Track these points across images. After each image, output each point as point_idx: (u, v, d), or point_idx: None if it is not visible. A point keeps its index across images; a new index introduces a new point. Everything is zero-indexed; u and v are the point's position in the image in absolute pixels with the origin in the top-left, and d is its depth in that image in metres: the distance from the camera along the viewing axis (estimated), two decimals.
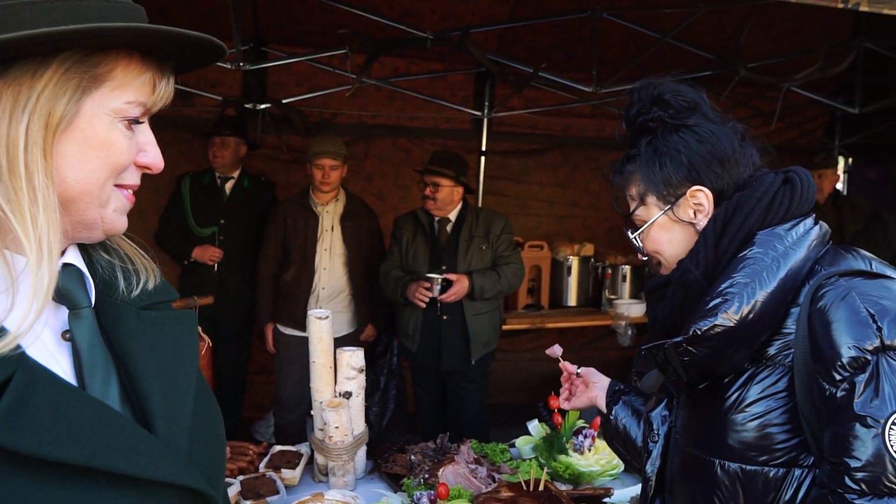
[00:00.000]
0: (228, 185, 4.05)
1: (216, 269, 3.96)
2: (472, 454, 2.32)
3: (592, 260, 5.15)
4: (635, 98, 1.26)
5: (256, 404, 4.67)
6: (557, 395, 1.84)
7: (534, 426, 2.59)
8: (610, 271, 5.12)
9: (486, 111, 5.00)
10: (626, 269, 5.10)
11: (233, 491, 2.09)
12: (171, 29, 0.75)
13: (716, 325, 1.09)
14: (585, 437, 2.36)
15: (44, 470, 0.67)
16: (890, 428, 0.96)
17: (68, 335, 0.77)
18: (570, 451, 2.34)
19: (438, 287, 3.41)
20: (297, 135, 4.42)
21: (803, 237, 1.13)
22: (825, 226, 1.18)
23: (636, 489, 2.09)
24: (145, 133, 0.81)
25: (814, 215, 1.19)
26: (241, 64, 3.44)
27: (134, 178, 0.81)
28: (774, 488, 1.08)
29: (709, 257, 1.16)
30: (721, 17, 4.28)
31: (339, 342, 2.38)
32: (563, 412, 2.44)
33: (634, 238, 1.29)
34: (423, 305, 3.41)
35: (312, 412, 2.33)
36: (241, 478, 2.18)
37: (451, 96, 4.92)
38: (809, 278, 1.11)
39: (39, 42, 0.68)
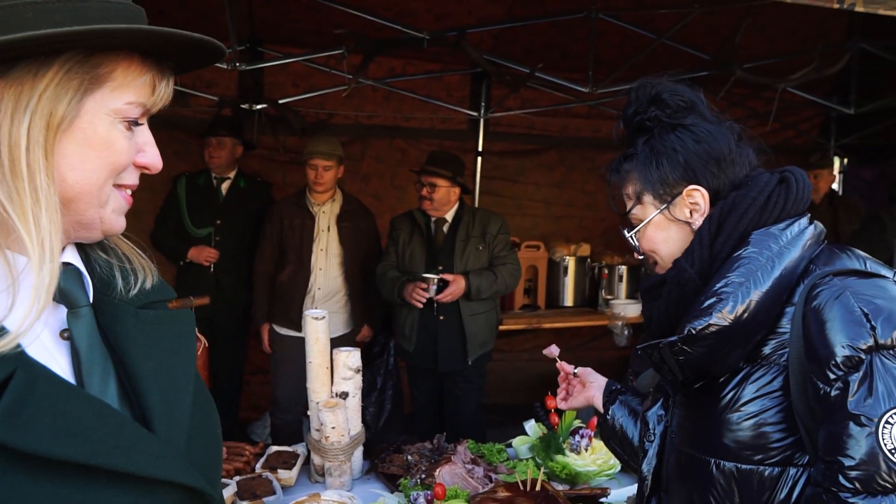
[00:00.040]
0: (224, 186, 4.05)
1: (212, 269, 3.96)
2: (469, 454, 2.32)
3: (589, 260, 5.16)
4: (633, 97, 1.27)
5: (253, 405, 4.67)
6: (554, 395, 1.84)
7: (530, 426, 2.59)
8: (606, 271, 5.12)
9: (482, 111, 5.00)
10: (623, 269, 5.11)
11: (229, 491, 2.08)
12: (173, 31, 0.75)
13: (710, 325, 1.09)
14: (582, 437, 2.36)
15: (44, 468, 0.67)
16: (884, 426, 0.96)
17: (67, 334, 0.77)
18: (567, 451, 2.34)
19: (435, 287, 3.41)
20: (294, 135, 4.42)
21: (798, 236, 1.14)
22: (820, 225, 1.19)
23: (633, 489, 2.09)
24: (144, 133, 0.82)
25: (808, 215, 1.19)
26: (238, 64, 3.44)
27: (133, 178, 0.82)
28: (770, 487, 1.09)
29: (704, 256, 1.16)
30: (717, 18, 4.29)
31: (335, 343, 2.38)
32: (559, 412, 2.44)
33: (631, 237, 1.29)
34: (421, 306, 3.41)
35: (309, 412, 2.33)
36: (237, 478, 2.18)
37: (447, 97, 4.92)
38: (804, 277, 1.11)
39: (42, 43, 0.69)
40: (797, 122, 5.72)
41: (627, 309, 4.88)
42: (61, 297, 0.77)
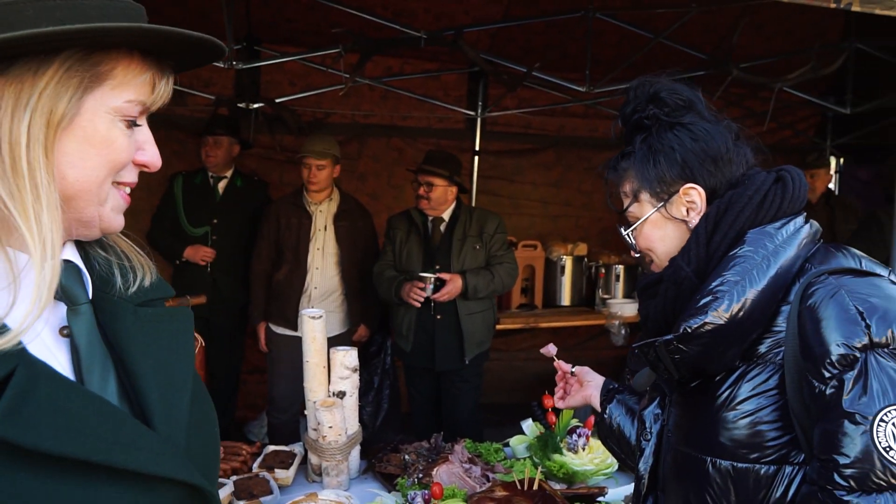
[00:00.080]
0: (221, 185, 4.04)
1: (209, 268, 3.95)
2: (467, 453, 2.32)
3: (586, 259, 5.16)
4: (631, 95, 1.27)
5: (250, 404, 4.66)
6: (551, 394, 1.84)
7: (528, 425, 2.59)
8: (603, 271, 5.13)
9: (479, 111, 5.00)
10: (620, 268, 5.11)
11: (226, 491, 2.08)
12: (173, 29, 0.75)
13: (706, 323, 1.09)
14: (580, 436, 2.36)
15: (44, 464, 0.67)
16: (878, 424, 0.96)
17: (67, 331, 0.77)
18: (565, 451, 2.34)
19: (431, 286, 3.41)
20: (291, 134, 4.41)
21: (793, 235, 1.14)
22: (816, 224, 1.19)
23: (630, 488, 2.09)
24: (144, 132, 0.82)
25: (805, 214, 1.19)
26: (234, 63, 3.43)
27: (132, 176, 0.82)
28: (765, 485, 1.09)
29: (700, 255, 1.17)
30: (714, 18, 4.29)
31: (331, 342, 2.38)
32: (557, 411, 2.44)
33: (627, 235, 1.29)
34: (418, 305, 3.41)
35: (306, 412, 2.33)
36: (234, 478, 2.17)
37: (444, 96, 4.92)
38: (800, 276, 1.12)
39: (42, 41, 0.69)
40: (794, 121, 5.73)
41: (624, 308, 4.89)
42: (61, 294, 0.77)
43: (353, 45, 3.45)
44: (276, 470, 2.26)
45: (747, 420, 1.10)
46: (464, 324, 3.49)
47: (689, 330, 1.10)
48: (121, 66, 0.76)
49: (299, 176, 3.81)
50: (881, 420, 0.96)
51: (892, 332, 1.00)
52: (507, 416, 3.35)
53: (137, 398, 0.79)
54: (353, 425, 2.31)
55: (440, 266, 3.50)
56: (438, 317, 3.49)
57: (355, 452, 2.35)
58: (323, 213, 3.79)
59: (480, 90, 4.98)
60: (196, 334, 2.30)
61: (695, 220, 1.21)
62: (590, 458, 2.30)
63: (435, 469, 2.16)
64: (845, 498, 0.97)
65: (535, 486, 1.96)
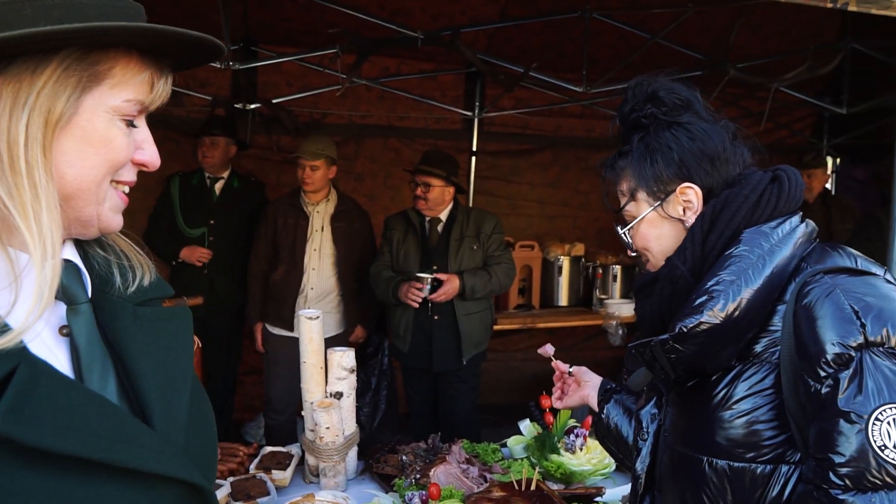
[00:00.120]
0: (218, 186, 4.03)
1: (206, 269, 3.94)
2: (464, 454, 2.32)
3: (583, 260, 5.17)
4: (629, 95, 1.27)
5: (247, 405, 4.66)
6: (549, 394, 1.84)
7: (525, 426, 2.59)
8: (601, 271, 5.13)
9: (476, 111, 5.00)
10: (617, 268, 5.12)
11: (223, 492, 2.08)
12: (172, 28, 0.75)
13: (702, 323, 1.09)
14: (577, 436, 2.36)
15: (46, 462, 0.68)
16: (873, 423, 0.97)
17: (66, 330, 0.78)
18: (562, 451, 2.34)
19: (428, 287, 3.41)
20: (288, 135, 4.41)
21: (789, 235, 1.14)
22: (811, 223, 1.19)
23: (628, 488, 2.09)
24: (142, 131, 0.82)
25: (800, 213, 1.20)
26: (231, 63, 3.43)
27: (131, 175, 0.82)
28: (762, 484, 1.09)
29: (696, 254, 1.17)
30: (710, 18, 4.30)
31: (328, 343, 2.37)
32: (554, 411, 2.44)
33: (624, 233, 1.29)
34: (416, 305, 3.41)
35: (303, 413, 2.33)
36: (231, 479, 2.17)
37: (441, 96, 4.92)
38: (795, 276, 1.12)
39: (40, 40, 0.69)
40: (790, 121, 5.74)
41: (622, 308, 4.89)
42: (61, 293, 0.77)
43: (349, 45, 3.44)
44: (273, 471, 2.26)
45: (743, 419, 1.10)
46: (461, 324, 3.49)
47: (685, 329, 1.11)
48: (119, 66, 0.76)
49: (296, 177, 3.81)
50: (876, 419, 0.97)
51: (888, 331, 1.00)
52: (505, 416, 3.35)
53: (137, 397, 0.79)
54: (351, 426, 2.31)
55: (437, 266, 3.50)
56: (436, 317, 3.48)
57: (353, 453, 2.35)
58: (320, 214, 3.78)
59: (477, 90, 4.99)
60: (194, 336, 2.31)
61: (691, 219, 1.21)
62: (587, 458, 2.30)
63: (432, 470, 2.16)
64: (841, 497, 0.97)
65: (533, 487, 1.96)
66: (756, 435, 1.09)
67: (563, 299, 5.13)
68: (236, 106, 4.19)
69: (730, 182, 1.21)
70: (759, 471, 1.09)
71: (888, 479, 0.96)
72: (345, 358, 2.29)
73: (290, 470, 2.29)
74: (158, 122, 0.83)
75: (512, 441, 2.54)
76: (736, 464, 1.11)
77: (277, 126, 4.35)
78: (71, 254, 0.82)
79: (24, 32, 0.67)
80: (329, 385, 2.29)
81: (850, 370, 1.00)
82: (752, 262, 1.11)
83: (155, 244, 3.95)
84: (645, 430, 1.36)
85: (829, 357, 1.01)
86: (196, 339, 2.40)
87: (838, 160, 6.09)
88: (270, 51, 4.24)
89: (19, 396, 0.67)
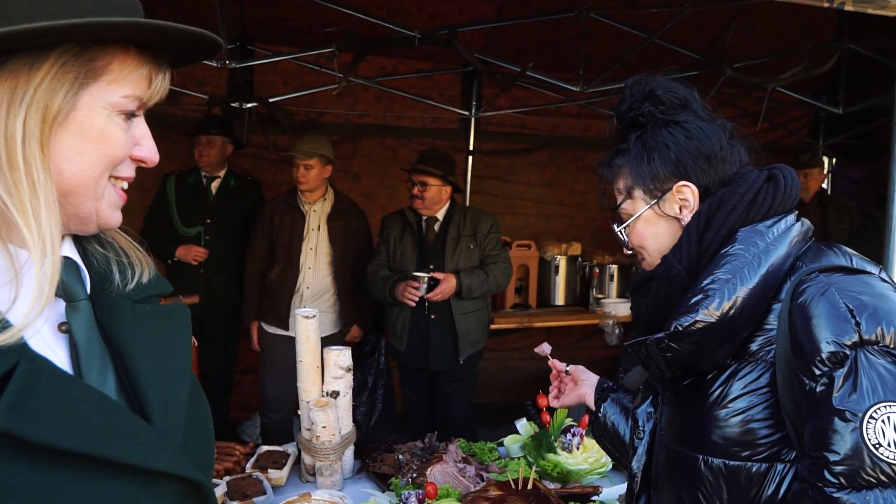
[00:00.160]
0: (214, 185, 4.03)
1: (202, 269, 3.94)
2: (461, 453, 2.32)
3: (580, 259, 5.17)
4: (627, 93, 1.27)
5: (243, 404, 4.65)
6: (546, 393, 1.84)
7: (522, 425, 2.59)
8: (597, 270, 5.14)
9: (473, 111, 5.00)
10: (614, 268, 5.12)
11: (219, 491, 2.07)
12: (170, 24, 0.75)
13: (697, 321, 1.10)
14: (574, 435, 2.37)
15: (47, 458, 0.68)
16: (868, 421, 0.97)
17: (65, 327, 0.78)
18: (559, 450, 2.35)
19: (425, 286, 3.41)
20: (284, 134, 4.40)
21: (784, 233, 1.14)
22: (807, 222, 1.19)
23: (624, 487, 2.09)
24: (141, 127, 0.82)
25: (796, 212, 1.20)
26: (228, 62, 3.43)
27: (129, 171, 0.82)
28: (757, 483, 1.09)
29: (692, 252, 1.17)
30: (707, 18, 4.31)
31: (323, 343, 2.37)
32: (551, 410, 2.44)
33: (620, 232, 1.29)
34: (413, 304, 3.41)
35: (300, 412, 2.32)
36: (227, 478, 2.17)
37: (438, 96, 4.92)
38: (791, 274, 1.12)
39: (37, 36, 0.69)
40: (786, 121, 5.75)
41: (618, 308, 4.90)
42: (60, 290, 0.77)
43: (346, 44, 3.44)
44: (269, 470, 2.26)
45: (739, 418, 1.11)
46: (458, 323, 3.49)
47: (681, 328, 1.11)
48: (117, 61, 0.76)
49: (293, 176, 3.80)
50: (871, 417, 0.97)
51: (882, 330, 1.01)
52: (502, 415, 3.35)
53: (136, 394, 0.79)
54: (347, 425, 2.31)
55: (434, 266, 3.50)
56: (433, 316, 3.48)
57: (349, 452, 2.34)
58: (317, 213, 3.78)
59: (474, 90, 4.98)
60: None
61: (687, 217, 1.21)
62: (584, 457, 2.31)
63: (429, 469, 2.16)
64: (835, 495, 0.98)
65: (530, 486, 1.96)
66: (751, 433, 1.10)
67: (559, 299, 5.13)
68: (233, 105, 4.18)
69: (726, 181, 1.21)
70: (754, 469, 1.09)
71: (882, 478, 0.96)
72: (341, 357, 2.29)
73: (286, 469, 2.29)
74: (155, 121, 0.83)
75: (509, 440, 2.54)
76: (731, 462, 1.11)
77: (274, 125, 4.34)
78: (70, 251, 0.82)
79: (21, 28, 0.67)
80: (325, 384, 2.29)
81: (845, 368, 1.00)
82: (747, 260, 1.11)
83: (151, 243, 3.93)
84: (641, 428, 1.36)
85: (823, 355, 1.01)
86: (192, 338, 2.40)
87: (834, 160, 6.11)
88: (267, 50, 4.23)
89: (20, 392, 0.67)
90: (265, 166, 4.64)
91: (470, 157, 5.07)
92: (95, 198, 0.78)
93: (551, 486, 2.18)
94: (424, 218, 3.57)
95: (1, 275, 0.72)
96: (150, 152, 0.82)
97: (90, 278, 0.83)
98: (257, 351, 3.90)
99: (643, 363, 1.23)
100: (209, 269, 3.95)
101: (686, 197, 1.21)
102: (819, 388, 1.01)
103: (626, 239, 1.29)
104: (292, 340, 2.34)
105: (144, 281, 0.87)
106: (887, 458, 0.96)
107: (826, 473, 0.99)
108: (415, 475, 2.17)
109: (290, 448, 2.42)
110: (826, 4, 1.81)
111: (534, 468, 2.12)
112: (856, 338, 1.00)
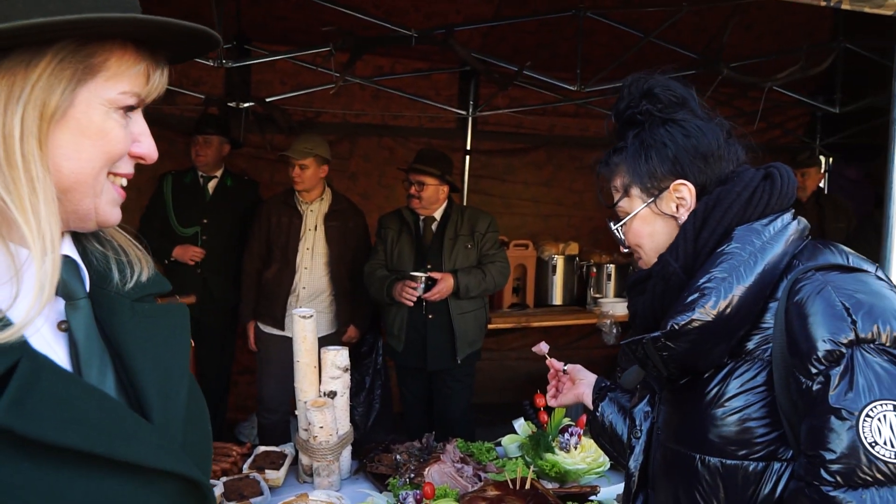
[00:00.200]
0: (211, 185, 4.02)
1: (199, 269, 3.93)
2: (458, 453, 2.31)
3: (577, 259, 5.17)
4: (625, 91, 1.27)
5: (240, 405, 4.65)
6: (543, 393, 1.84)
7: (520, 425, 2.59)
8: (595, 270, 5.14)
9: (470, 110, 5.00)
10: (611, 267, 5.13)
11: (216, 492, 2.07)
12: (168, 20, 0.75)
13: (693, 320, 1.09)
14: (571, 435, 2.36)
15: (47, 455, 0.68)
16: (864, 420, 0.97)
17: (65, 325, 0.78)
18: (557, 450, 2.35)
19: (423, 286, 3.40)
20: (281, 134, 4.40)
21: (781, 232, 1.14)
22: (804, 221, 1.19)
23: (622, 486, 2.09)
24: (139, 123, 0.82)
25: (793, 211, 1.20)
26: (225, 61, 3.42)
27: (128, 167, 0.82)
28: (754, 482, 1.09)
29: (688, 251, 1.17)
30: (704, 18, 4.31)
31: (320, 343, 2.36)
32: (549, 410, 2.44)
33: (617, 230, 1.29)
34: (411, 304, 3.41)
35: (297, 412, 2.32)
36: (224, 479, 2.16)
37: (435, 95, 4.92)
38: (787, 273, 1.12)
39: (34, 32, 0.68)
40: (783, 121, 5.77)
41: (616, 307, 4.90)
42: (59, 289, 0.77)
43: (343, 43, 3.44)
44: (266, 471, 2.25)
45: (736, 417, 1.10)
46: (455, 323, 3.48)
47: (677, 327, 1.11)
48: (114, 58, 0.76)
49: (288, 175, 3.80)
50: (867, 415, 0.97)
51: (878, 328, 1.01)
52: (499, 415, 3.35)
53: (135, 392, 0.80)
54: (345, 425, 2.30)
55: (431, 265, 3.50)
56: (430, 316, 3.48)
57: (346, 453, 2.34)
58: (314, 213, 3.77)
59: (471, 89, 4.99)
60: None
61: (684, 216, 1.21)
62: (582, 456, 2.30)
63: (427, 469, 2.16)
64: (832, 493, 0.98)
65: (528, 486, 1.96)
66: (748, 432, 1.09)
67: (557, 298, 5.13)
68: (230, 104, 4.17)
69: (723, 179, 1.21)
70: (751, 468, 1.09)
71: (879, 476, 0.96)
72: (338, 357, 2.28)
73: (283, 469, 2.29)
74: (151, 120, 0.83)
75: (506, 440, 2.53)
76: (728, 461, 1.11)
77: (271, 125, 4.34)
78: (69, 249, 0.82)
79: (18, 25, 0.67)
80: (323, 384, 2.28)
81: (841, 367, 1.00)
82: (743, 259, 1.11)
83: (148, 243, 3.92)
84: (638, 427, 1.36)
85: (820, 354, 1.01)
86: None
87: (831, 159, 6.12)
88: (264, 49, 4.23)
89: (22, 390, 0.67)
90: (262, 166, 4.64)
91: (467, 157, 5.07)
92: (94, 195, 0.78)
93: (549, 485, 2.18)
94: (422, 217, 3.57)
95: (1, 273, 0.72)
96: (148, 149, 0.82)
97: (89, 277, 0.83)
98: (254, 351, 3.90)
99: (640, 362, 1.23)
100: (206, 270, 3.94)
101: (683, 195, 1.21)
102: (815, 387, 1.01)
103: (622, 237, 1.29)
104: (289, 341, 2.34)
105: (143, 279, 0.87)
106: (883, 456, 0.96)
107: (822, 472, 0.99)
108: (412, 475, 2.16)
109: (288, 448, 2.42)
110: (823, 3, 1.82)
111: (531, 468, 2.12)
112: (852, 336, 1.00)
